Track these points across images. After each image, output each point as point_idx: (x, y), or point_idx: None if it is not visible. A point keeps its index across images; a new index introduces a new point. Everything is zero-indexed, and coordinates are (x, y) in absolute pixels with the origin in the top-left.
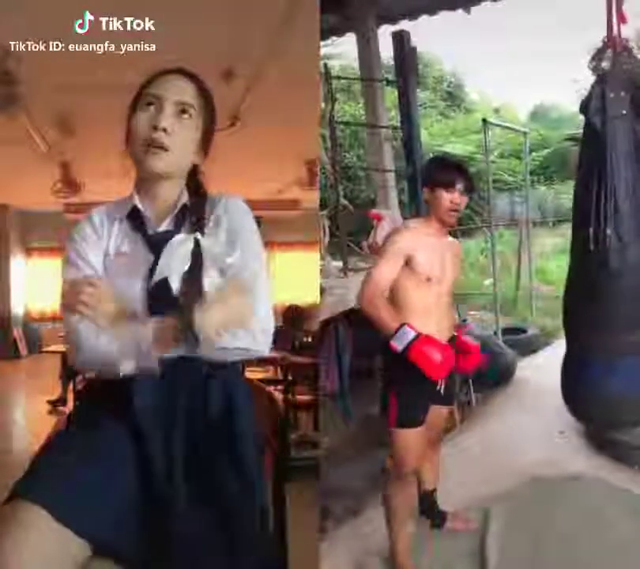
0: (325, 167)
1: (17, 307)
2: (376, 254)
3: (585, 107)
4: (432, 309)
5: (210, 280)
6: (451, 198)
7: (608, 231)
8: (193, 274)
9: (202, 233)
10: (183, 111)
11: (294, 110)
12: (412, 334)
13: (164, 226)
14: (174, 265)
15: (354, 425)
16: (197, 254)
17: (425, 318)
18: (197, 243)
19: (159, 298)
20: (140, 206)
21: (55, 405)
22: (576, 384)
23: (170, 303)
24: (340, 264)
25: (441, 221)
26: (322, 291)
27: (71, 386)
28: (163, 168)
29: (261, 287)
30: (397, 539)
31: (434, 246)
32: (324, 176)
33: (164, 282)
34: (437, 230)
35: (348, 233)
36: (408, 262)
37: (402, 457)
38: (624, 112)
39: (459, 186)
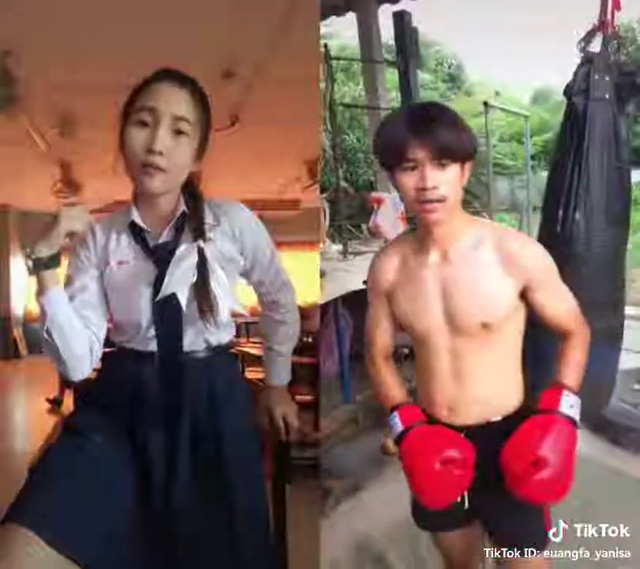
0: (324, 150)
1: (17, 307)
2: (377, 236)
3: (569, 88)
4: (438, 373)
5: (216, 286)
6: (414, 181)
7: (577, 216)
8: (202, 286)
9: (204, 239)
10: (179, 131)
11: (294, 110)
12: (399, 427)
13: (164, 237)
14: (180, 280)
15: (354, 406)
16: (202, 265)
17: (434, 387)
18: (200, 251)
19: (164, 311)
20: (138, 220)
21: (53, 403)
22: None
23: (175, 316)
24: (340, 247)
25: (421, 224)
26: (322, 274)
27: (70, 388)
28: (160, 188)
29: (285, 277)
30: None
31: (418, 273)
32: (324, 159)
33: (171, 296)
34: (420, 243)
35: (348, 216)
36: (391, 303)
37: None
38: (607, 96)
39: (419, 153)
